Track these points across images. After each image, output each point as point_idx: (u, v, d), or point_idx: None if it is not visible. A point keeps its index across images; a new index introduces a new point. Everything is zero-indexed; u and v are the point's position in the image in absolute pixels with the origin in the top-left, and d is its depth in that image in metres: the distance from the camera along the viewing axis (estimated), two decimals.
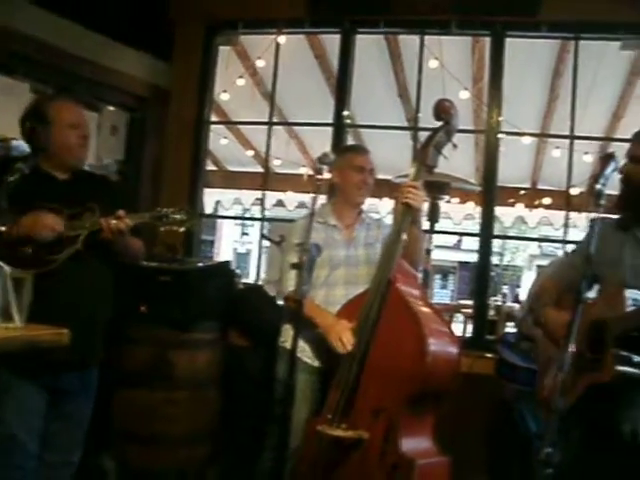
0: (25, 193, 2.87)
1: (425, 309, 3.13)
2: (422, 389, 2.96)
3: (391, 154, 6.18)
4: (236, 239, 25.50)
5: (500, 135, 4.99)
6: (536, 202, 9.33)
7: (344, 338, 3.16)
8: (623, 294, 2.33)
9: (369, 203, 8.64)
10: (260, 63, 6.56)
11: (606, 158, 2.37)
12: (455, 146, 3.32)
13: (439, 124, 3.27)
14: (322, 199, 3.82)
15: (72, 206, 2.98)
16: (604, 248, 2.52)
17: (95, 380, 3.24)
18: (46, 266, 2.83)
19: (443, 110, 3.23)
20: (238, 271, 6.13)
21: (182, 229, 2.96)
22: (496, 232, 10.24)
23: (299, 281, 2.99)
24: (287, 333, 3.56)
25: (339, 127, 5.17)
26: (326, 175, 3.29)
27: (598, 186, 2.23)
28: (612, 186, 2.57)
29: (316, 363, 3.51)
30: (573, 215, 5.27)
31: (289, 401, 3.09)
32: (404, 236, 3.19)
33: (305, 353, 3.48)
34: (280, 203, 9.59)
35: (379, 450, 2.91)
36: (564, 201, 5.77)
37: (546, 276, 3.12)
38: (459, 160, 7.44)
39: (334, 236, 3.61)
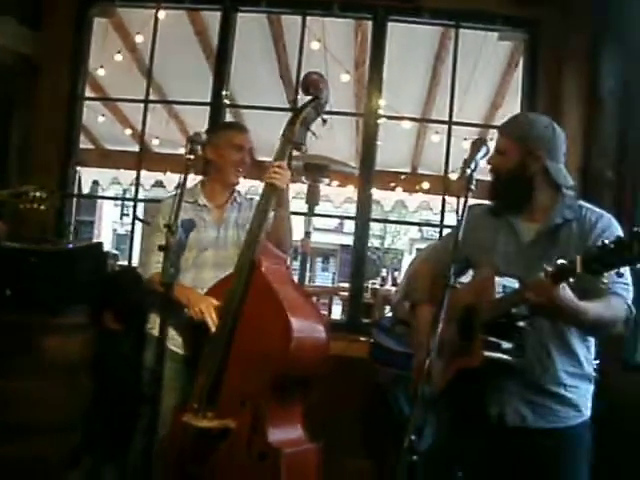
0: None
1: (292, 293, 3.06)
2: (288, 375, 2.90)
3: (272, 135, 6.08)
4: (116, 220, 24.92)
5: (381, 119, 4.99)
6: (416, 187, 9.47)
7: (207, 315, 3.05)
8: (494, 280, 2.34)
9: (249, 185, 8.61)
10: (139, 38, 6.37)
11: (477, 143, 2.40)
12: (325, 122, 3.24)
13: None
14: (197, 179, 3.70)
15: None
16: (478, 234, 2.60)
17: None
18: None
19: (312, 84, 3.15)
20: (116, 252, 5.96)
21: (43, 207, 2.77)
22: (377, 216, 10.38)
23: (166, 264, 2.87)
24: (154, 319, 3.45)
25: (217, 107, 5.03)
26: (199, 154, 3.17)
27: (469, 171, 2.26)
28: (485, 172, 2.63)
29: (184, 351, 3.37)
30: (451, 200, 5.33)
31: (157, 390, 2.98)
32: (270, 218, 3.15)
33: (173, 341, 3.35)
34: (159, 183, 9.37)
35: (246, 440, 2.85)
36: (442, 186, 5.86)
37: (421, 260, 3.12)
38: (340, 143, 7.50)
39: (203, 216, 3.47)
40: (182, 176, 3.01)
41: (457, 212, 2.44)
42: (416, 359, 2.62)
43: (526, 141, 2.51)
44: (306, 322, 2.97)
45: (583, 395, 2.53)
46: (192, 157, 3.02)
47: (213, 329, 3.04)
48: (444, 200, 5.02)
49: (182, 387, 3.31)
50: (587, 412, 2.54)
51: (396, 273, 21.99)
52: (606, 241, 1.94)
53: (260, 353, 2.88)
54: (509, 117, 2.70)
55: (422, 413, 2.09)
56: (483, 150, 2.35)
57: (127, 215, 24.96)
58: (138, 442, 3.44)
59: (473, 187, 2.26)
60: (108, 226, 23.31)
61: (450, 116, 4.91)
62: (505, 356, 2.31)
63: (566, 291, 2.12)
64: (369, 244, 5.01)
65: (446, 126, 5.11)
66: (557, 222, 2.51)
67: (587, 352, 2.55)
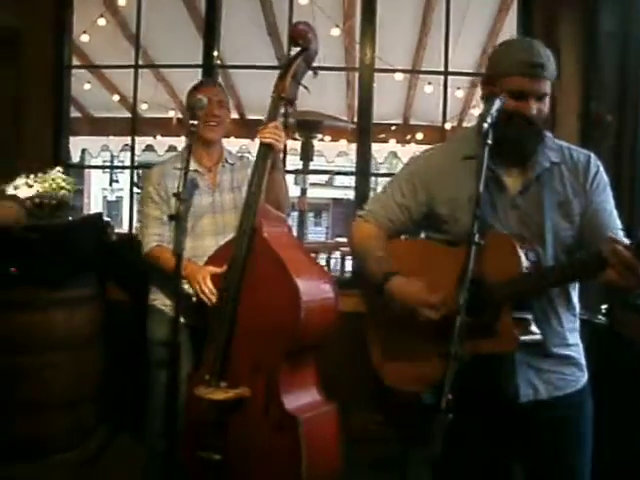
0: None
1: (296, 255, 2.96)
2: (300, 343, 2.83)
3: (262, 94, 6.00)
4: (105, 187, 24.73)
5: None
6: (408, 137, 9.42)
7: (205, 288, 2.99)
8: (517, 250, 2.13)
9: (241, 144, 8.56)
10: (121, 1, 6.27)
11: (491, 97, 2.21)
12: (316, 73, 3.11)
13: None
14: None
15: None
16: (450, 184, 2.35)
17: None
18: None
19: (299, 34, 2.98)
20: (110, 221, 5.90)
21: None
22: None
23: (177, 233, 2.83)
24: (156, 291, 3.44)
25: (209, 68, 4.93)
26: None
27: (485, 125, 2.06)
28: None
29: (185, 320, 3.27)
30: None
31: (174, 364, 2.94)
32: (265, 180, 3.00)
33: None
34: (150, 148, 9.31)
35: (262, 408, 2.79)
36: (438, 135, 5.82)
37: (371, 221, 2.56)
38: (331, 98, 7.42)
39: (196, 182, 3.35)
40: (186, 144, 2.97)
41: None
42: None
43: (553, 80, 2.23)
44: (314, 285, 2.89)
45: (581, 350, 2.37)
46: (195, 122, 2.98)
47: (208, 302, 2.98)
48: None
49: (190, 356, 3.27)
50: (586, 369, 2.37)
51: None
52: None
53: (269, 322, 2.80)
54: (538, 51, 2.22)
55: (455, 373, 1.93)
56: (497, 103, 2.13)
57: (117, 182, 24.82)
58: (155, 419, 3.40)
59: (490, 141, 2.05)
60: (97, 193, 23.10)
61: (446, 66, 4.85)
62: (538, 336, 2.15)
63: None
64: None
65: (438, 76, 5.04)
66: (546, 167, 2.29)
67: (576, 300, 2.35)
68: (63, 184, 2.38)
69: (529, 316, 2.17)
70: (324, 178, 26.24)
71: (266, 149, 2.99)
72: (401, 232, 2.51)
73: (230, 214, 3.39)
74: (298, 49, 3.02)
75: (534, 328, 2.17)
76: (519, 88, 2.19)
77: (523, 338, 2.13)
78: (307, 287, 2.81)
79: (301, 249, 3.13)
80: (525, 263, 2.13)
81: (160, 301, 3.43)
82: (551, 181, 2.29)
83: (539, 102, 2.21)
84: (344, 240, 9.13)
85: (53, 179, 2.26)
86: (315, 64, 3.14)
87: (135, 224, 4.91)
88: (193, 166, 3.31)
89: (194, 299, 3.11)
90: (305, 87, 3.06)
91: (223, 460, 2.83)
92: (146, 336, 3.50)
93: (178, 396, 3.00)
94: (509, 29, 5.60)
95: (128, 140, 8.84)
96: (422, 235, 2.56)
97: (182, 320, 3.21)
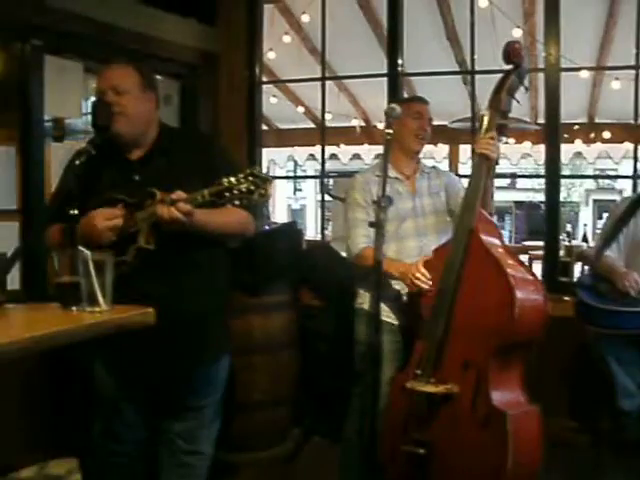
0: (92, 179, 2.72)
1: (508, 258, 3.07)
2: (511, 341, 2.92)
3: (443, 99, 6.08)
4: (289, 195, 25.45)
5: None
6: (592, 136, 9.10)
7: (419, 276, 3.14)
8: None
9: (425, 149, 8.59)
10: (305, 18, 6.52)
11: None
12: (527, 89, 3.28)
13: (508, 68, 3.19)
14: (377, 152, 3.77)
15: (143, 190, 2.63)
16: None
17: None
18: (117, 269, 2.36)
19: (514, 53, 3.16)
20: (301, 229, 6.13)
21: (255, 198, 2.45)
22: None
23: (379, 240, 2.97)
24: (364, 295, 3.56)
25: (394, 77, 5.05)
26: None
27: None
28: None
29: (396, 321, 3.48)
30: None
31: (376, 364, 3.05)
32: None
33: (386, 313, 3.42)
34: (334, 156, 9.58)
35: (470, 403, 2.88)
36: (626, 133, 5.62)
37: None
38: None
39: (397, 188, 3.53)
40: (384, 151, 3.10)
41: None
42: None
43: None
44: (527, 287, 2.98)
45: None
46: (391, 131, 3.09)
47: (426, 287, 3.12)
48: (636, 148, 4.78)
49: (397, 357, 3.42)
50: None
51: (585, 228, 21.02)
52: None
53: (483, 320, 2.91)
54: None
55: None
56: None
57: (300, 190, 25.53)
58: (354, 419, 3.53)
59: None
60: (282, 202, 23.79)
61: (637, 60, 4.68)
62: None
63: None
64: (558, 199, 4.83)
65: (628, 71, 4.89)
66: None
67: None
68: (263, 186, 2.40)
69: None
70: (507, 181, 25.85)
71: (482, 159, 3.18)
72: None
73: (430, 217, 3.57)
74: (511, 66, 3.20)
75: None
76: None
77: None
78: (521, 286, 2.92)
79: (510, 251, 3.22)
80: None
81: (367, 304, 3.53)
82: None
83: None
84: (532, 244, 8.94)
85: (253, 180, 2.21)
86: (496, 67, 3.40)
87: (327, 232, 5.07)
88: (393, 174, 3.51)
89: (404, 298, 3.33)
90: (517, 101, 3.24)
91: (426, 455, 2.95)
92: (354, 338, 3.63)
93: (379, 397, 3.11)
94: None
95: (312, 150, 9.19)
96: None
97: (392, 321, 3.46)
